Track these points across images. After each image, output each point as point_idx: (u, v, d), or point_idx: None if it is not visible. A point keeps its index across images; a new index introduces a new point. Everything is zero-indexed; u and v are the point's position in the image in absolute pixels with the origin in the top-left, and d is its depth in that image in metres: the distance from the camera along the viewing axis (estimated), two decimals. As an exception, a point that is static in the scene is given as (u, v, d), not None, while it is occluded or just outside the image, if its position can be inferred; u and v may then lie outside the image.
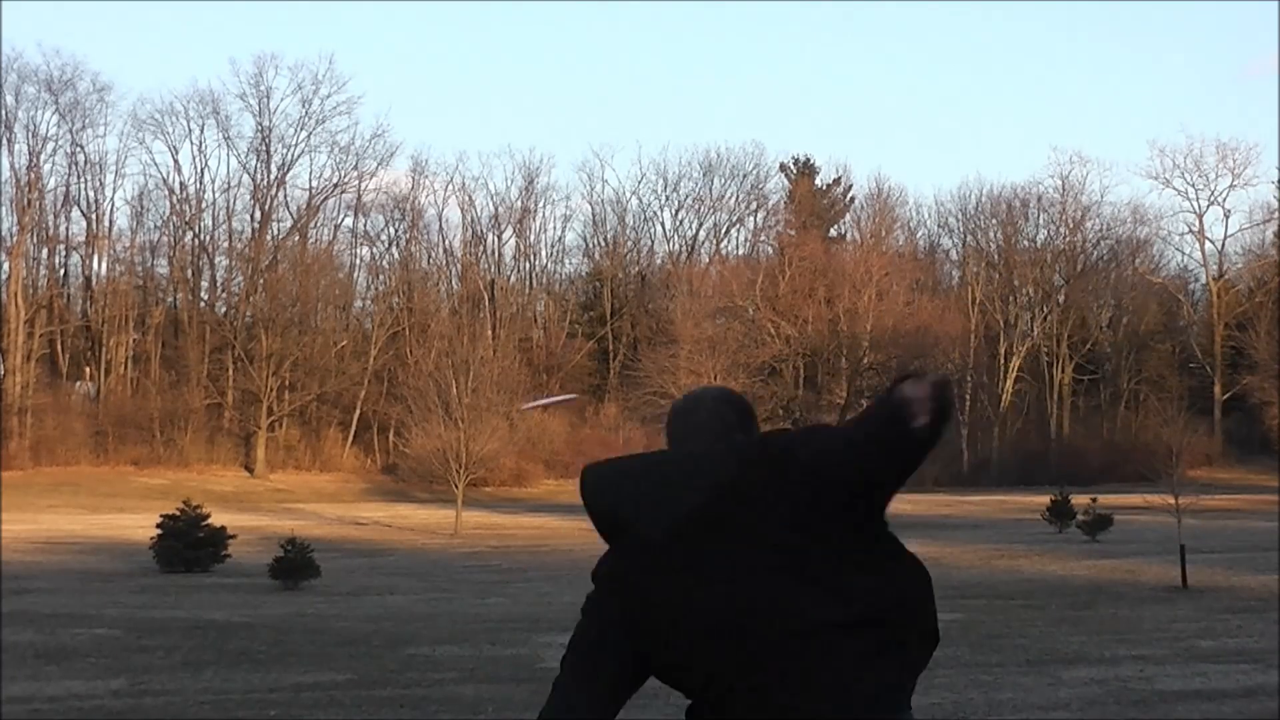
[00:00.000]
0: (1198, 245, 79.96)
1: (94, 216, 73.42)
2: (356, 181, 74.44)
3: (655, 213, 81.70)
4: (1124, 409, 76.54)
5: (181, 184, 73.95)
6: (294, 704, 10.85)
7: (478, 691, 11.49)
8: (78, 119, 71.28)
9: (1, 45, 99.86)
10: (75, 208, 73.08)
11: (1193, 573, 21.15)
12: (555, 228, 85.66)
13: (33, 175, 70.00)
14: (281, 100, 75.25)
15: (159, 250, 74.51)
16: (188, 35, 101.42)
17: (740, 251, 78.25)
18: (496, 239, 79.49)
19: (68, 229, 73.76)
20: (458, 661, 13.36)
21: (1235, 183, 79.08)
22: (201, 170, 76.07)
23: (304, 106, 73.54)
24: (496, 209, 78.91)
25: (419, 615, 18.36)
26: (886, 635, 2.69)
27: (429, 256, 78.09)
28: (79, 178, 72.66)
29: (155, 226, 74.51)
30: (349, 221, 76.57)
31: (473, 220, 78.43)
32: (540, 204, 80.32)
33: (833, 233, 77.28)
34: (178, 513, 26.66)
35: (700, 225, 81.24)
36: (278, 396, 67.70)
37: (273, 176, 73.94)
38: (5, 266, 68.12)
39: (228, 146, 74.63)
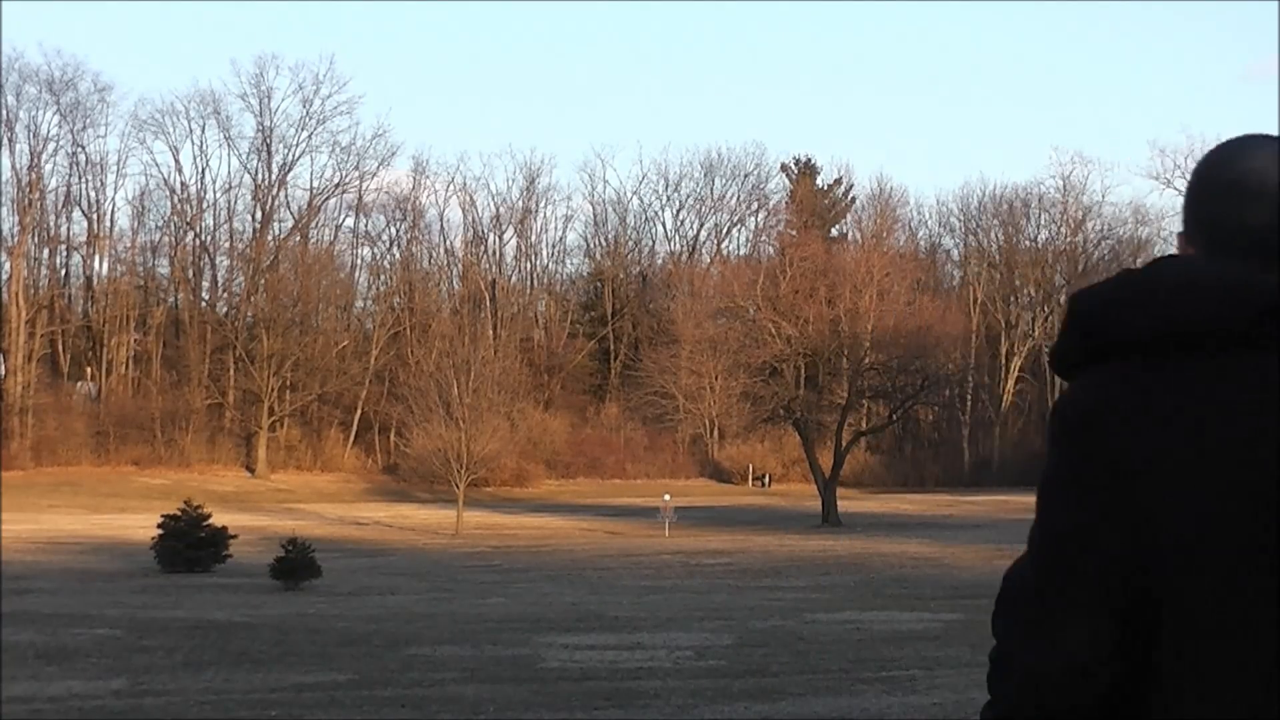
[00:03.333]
0: (1199, 245, 79.89)
1: (95, 216, 73.50)
2: (357, 181, 74.49)
3: (656, 213, 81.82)
4: (1125, 409, 76.46)
5: (182, 184, 74.03)
6: (295, 704, 10.85)
7: (479, 691, 11.49)
8: (79, 119, 71.34)
9: (2, 45, 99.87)
10: (76, 208, 73.17)
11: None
12: (556, 228, 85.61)
13: (34, 175, 70.02)
14: (282, 100, 75.50)
15: (160, 250, 74.57)
16: (188, 35, 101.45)
17: (741, 251, 78.27)
18: (498, 239, 79.59)
19: (69, 229, 73.86)
20: (459, 661, 13.36)
21: (1236, 183, 78.96)
22: (202, 170, 76.57)
23: (305, 106, 73.59)
24: (498, 209, 78.99)
25: (420, 615, 18.35)
26: None
27: (430, 257, 78.15)
28: (80, 178, 72.75)
29: (156, 227, 74.60)
30: (350, 221, 76.64)
31: (474, 220, 78.51)
32: (541, 204, 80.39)
33: (834, 233, 77.23)
34: (179, 513, 26.67)
35: (701, 225, 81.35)
36: (279, 397, 67.70)
37: (274, 176, 74.01)
38: (6, 266, 68.18)
39: (229, 146, 74.69)
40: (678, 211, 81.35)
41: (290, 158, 74.02)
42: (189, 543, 26.21)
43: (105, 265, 73.77)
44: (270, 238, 73.44)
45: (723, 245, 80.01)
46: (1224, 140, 1.78)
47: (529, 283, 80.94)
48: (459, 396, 43.17)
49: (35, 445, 62.52)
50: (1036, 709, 1.66)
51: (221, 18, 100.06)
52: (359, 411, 68.41)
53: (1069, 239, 79.50)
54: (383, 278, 77.17)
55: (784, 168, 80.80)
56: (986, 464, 71.70)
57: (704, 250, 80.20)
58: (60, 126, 71.09)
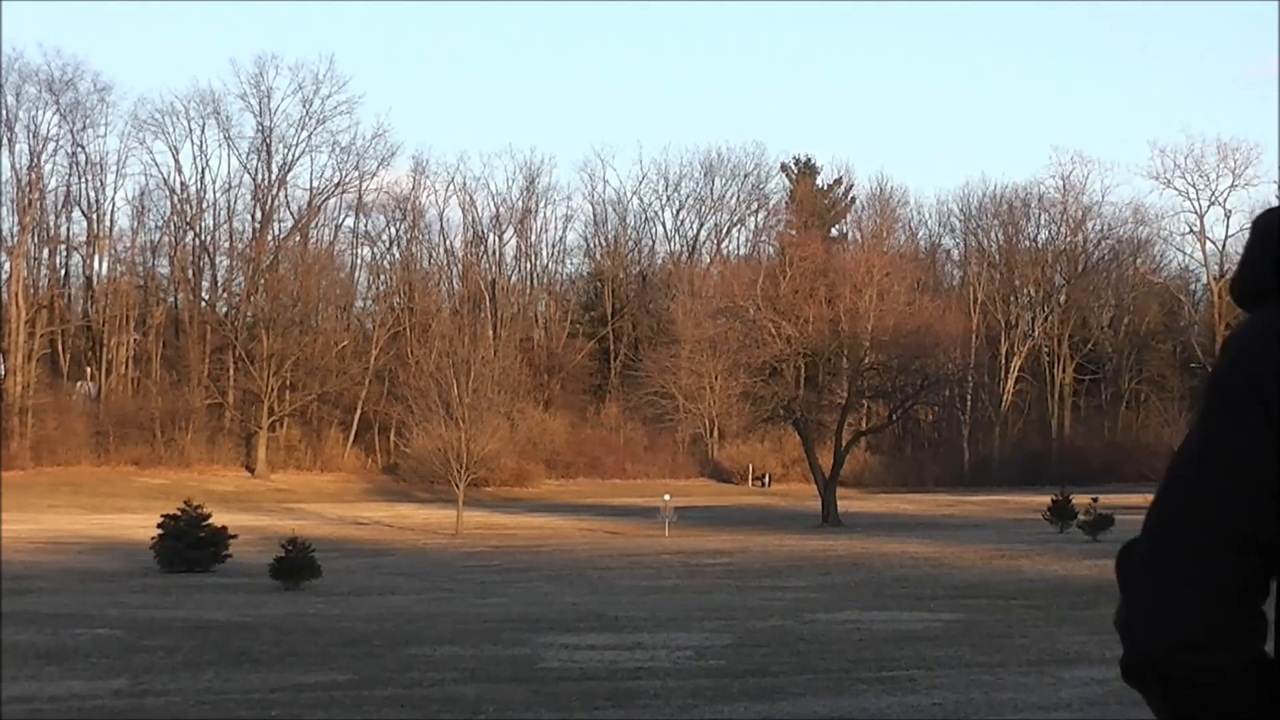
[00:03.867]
0: (1198, 245, 79.85)
1: (95, 216, 73.48)
2: (357, 181, 74.43)
3: (656, 213, 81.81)
4: (1125, 409, 76.55)
5: (182, 184, 73.96)
6: (295, 704, 10.86)
7: (479, 691, 11.49)
8: (78, 119, 71.30)
9: (2, 45, 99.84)
10: (76, 208, 73.12)
11: (1194, 573, 21.08)
12: (556, 228, 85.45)
13: (34, 175, 70.00)
14: (282, 100, 75.08)
15: (160, 250, 74.54)
16: (188, 35, 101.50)
17: (741, 251, 78.30)
18: (497, 239, 79.57)
19: (69, 229, 73.84)
20: (459, 661, 13.36)
21: (1236, 183, 78.80)
22: (202, 170, 75.99)
23: (305, 106, 73.53)
24: (498, 209, 78.97)
25: (420, 615, 18.35)
26: None
27: (430, 256, 78.16)
28: (80, 178, 72.71)
29: (156, 226, 74.56)
30: (350, 221, 76.61)
31: (474, 220, 78.50)
32: (541, 204, 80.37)
33: (834, 233, 77.28)
34: (179, 513, 26.65)
35: (701, 225, 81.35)
36: (279, 396, 67.70)
37: (274, 176, 73.96)
38: (6, 266, 68.17)
39: (229, 146, 74.59)
40: (678, 211, 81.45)
41: (290, 157, 74.07)
42: (189, 543, 26.20)
43: (105, 265, 73.85)
44: (270, 238, 73.42)
45: (723, 245, 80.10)
46: None
47: (529, 283, 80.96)
48: (459, 396, 43.13)
49: (35, 445, 62.50)
50: (1150, 677, 1.53)
51: (221, 18, 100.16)
52: (359, 411, 68.43)
53: (1069, 239, 79.51)
54: (383, 278, 77.22)
55: (784, 168, 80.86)
56: (986, 464, 71.66)
57: (704, 250, 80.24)
58: (60, 126, 71.13)
